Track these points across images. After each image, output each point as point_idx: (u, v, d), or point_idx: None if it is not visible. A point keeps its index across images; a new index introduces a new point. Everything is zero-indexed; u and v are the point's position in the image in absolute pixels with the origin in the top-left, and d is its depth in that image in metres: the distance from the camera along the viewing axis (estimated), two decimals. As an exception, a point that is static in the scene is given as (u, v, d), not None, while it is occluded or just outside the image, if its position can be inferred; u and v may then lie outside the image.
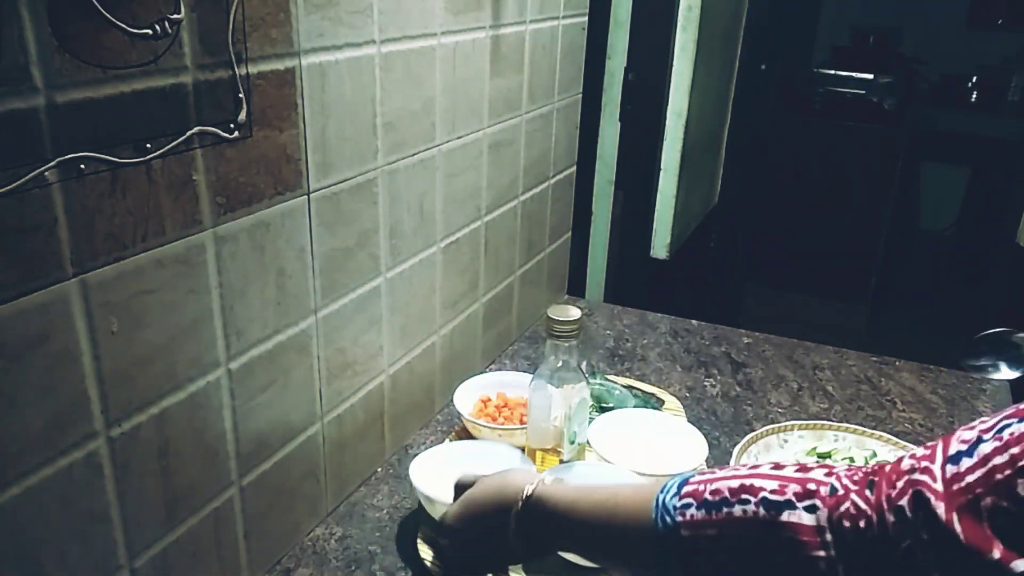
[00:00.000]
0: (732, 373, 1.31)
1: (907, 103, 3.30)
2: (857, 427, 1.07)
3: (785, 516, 0.52)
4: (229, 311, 0.73)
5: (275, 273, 0.78)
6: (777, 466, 0.56)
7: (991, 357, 1.20)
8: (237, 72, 0.69)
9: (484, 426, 1.03)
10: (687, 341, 1.42)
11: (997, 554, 0.42)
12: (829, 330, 2.44)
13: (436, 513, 0.90)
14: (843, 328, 3.08)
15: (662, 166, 1.92)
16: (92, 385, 0.61)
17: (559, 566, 0.88)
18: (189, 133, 0.65)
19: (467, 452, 0.99)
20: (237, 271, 0.73)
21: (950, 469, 0.46)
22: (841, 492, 0.52)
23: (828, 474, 0.54)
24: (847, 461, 1.00)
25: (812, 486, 0.53)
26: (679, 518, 0.56)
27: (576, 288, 1.81)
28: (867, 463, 1.00)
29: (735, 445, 1.04)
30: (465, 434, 1.07)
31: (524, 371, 1.25)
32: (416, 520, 0.94)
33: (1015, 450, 0.43)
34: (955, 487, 0.45)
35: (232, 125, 0.69)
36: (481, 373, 1.21)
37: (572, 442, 0.96)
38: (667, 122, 1.89)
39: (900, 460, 0.51)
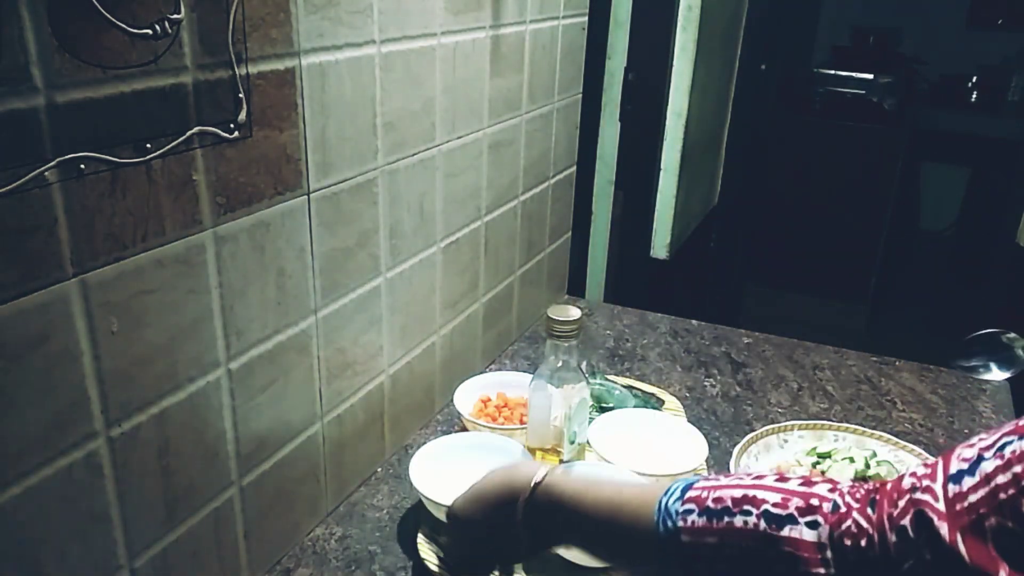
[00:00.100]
0: (732, 373, 1.31)
1: (907, 103, 3.30)
2: (857, 427, 1.07)
3: (786, 531, 0.52)
4: (229, 311, 0.73)
5: (275, 273, 0.78)
6: (782, 478, 0.56)
7: (982, 358, 1.20)
8: (237, 72, 0.69)
9: (484, 426, 1.03)
10: (687, 341, 1.42)
11: (1003, 575, 0.42)
12: (829, 330, 2.43)
13: (436, 511, 0.90)
14: (843, 328, 3.08)
15: (662, 166, 1.92)
16: (92, 385, 0.61)
17: (559, 566, 0.88)
18: (189, 133, 0.65)
19: (468, 445, 0.99)
20: (237, 271, 0.73)
21: (952, 488, 0.46)
22: (843, 509, 0.51)
23: (831, 490, 0.53)
24: (847, 461, 1.00)
25: (815, 501, 0.53)
26: (680, 523, 0.56)
27: (576, 288, 1.81)
28: (867, 463, 1.00)
29: (735, 445, 1.04)
30: (465, 434, 1.07)
31: (524, 371, 1.25)
32: (416, 520, 0.94)
33: (1017, 469, 0.43)
34: (958, 507, 0.44)
35: (232, 125, 0.69)
36: (481, 373, 1.21)
37: (572, 442, 0.96)
38: (667, 122, 1.89)
39: (901, 478, 0.50)
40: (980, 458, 0.45)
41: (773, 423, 1.10)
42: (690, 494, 0.57)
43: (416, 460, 0.94)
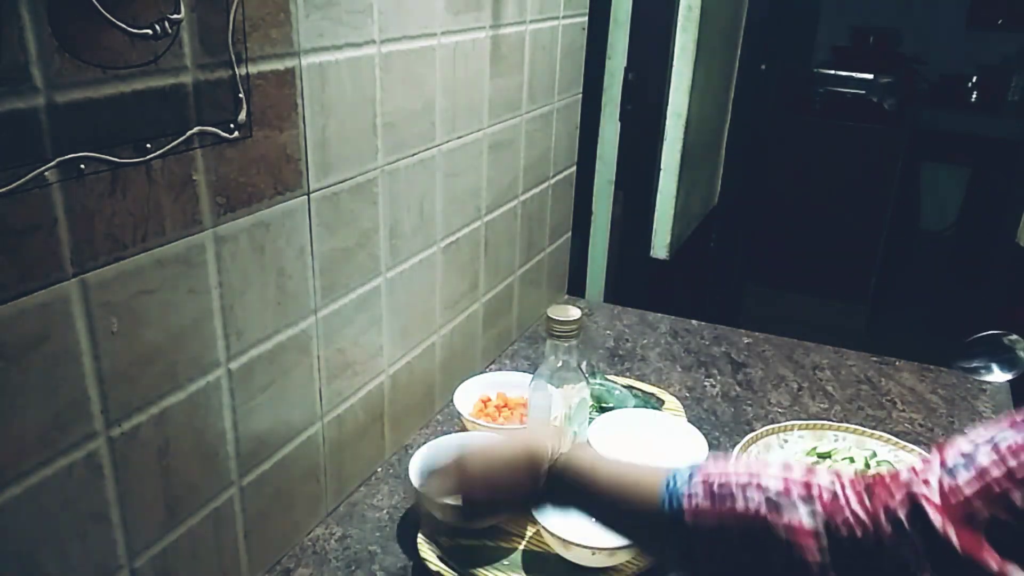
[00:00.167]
0: (732, 373, 1.31)
1: (907, 103, 3.29)
2: (857, 427, 1.07)
3: (786, 517, 0.53)
4: (229, 311, 0.73)
5: (275, 273, 0.78)
6: (787, 467, 0.57)
7: (984, 359, 1.20)
8: (237, 72, 0.69)
9: (484, 426, 1.03)
10: (687, 341, 1.42)
11: (994, 565, 0.43)
12: (829, 330, 2.43)
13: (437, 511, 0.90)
14: (843, 328, 3.07)
15: (662, 166, 1.92)
16: (92, 385, 0.61)
17: (559, 566, 0.88)
18: (189, 133, 0.65)
19: (467, 445, 0.99)
20: (237, 271, 0.73)
21: (948, 482, 0.47)
22: (842, 500, 0.52)
23: (832, 480, 0.54)
24: (847, 461, 1.00)
25: (815, 491, 0.54)
26: (685, 504, 0.58)
27: (576, 288, 1.81)
28: (867, 463, 1.00)
29: (735, 445, 1.04)
30: (465, 434, 1.07)
31: (524, 371, 1.25)
32: (416, 520, 0.94)
33: (1012, 463, 0.44)
34: (953, 500, 0.46)
35: (232, 125, 0.69)
36: (481, 373, 1.21)
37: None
38: (667, 122, 1.89)
39: (899, 472, 0.52)
40: (975, 452, 0.46)
41: (773, 423, 1.10)
42: (697, 477, 0.59)
43: (416, 460, 0.94)
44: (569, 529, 0.84)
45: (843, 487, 0.53)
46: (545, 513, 0.78)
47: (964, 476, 0.46)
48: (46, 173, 0.55)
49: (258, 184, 0.74)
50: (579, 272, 1.91)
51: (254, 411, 0.79)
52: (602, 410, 1.10)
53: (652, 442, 1.02)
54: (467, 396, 1.10)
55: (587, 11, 1.39)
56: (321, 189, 0.82)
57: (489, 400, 1.11)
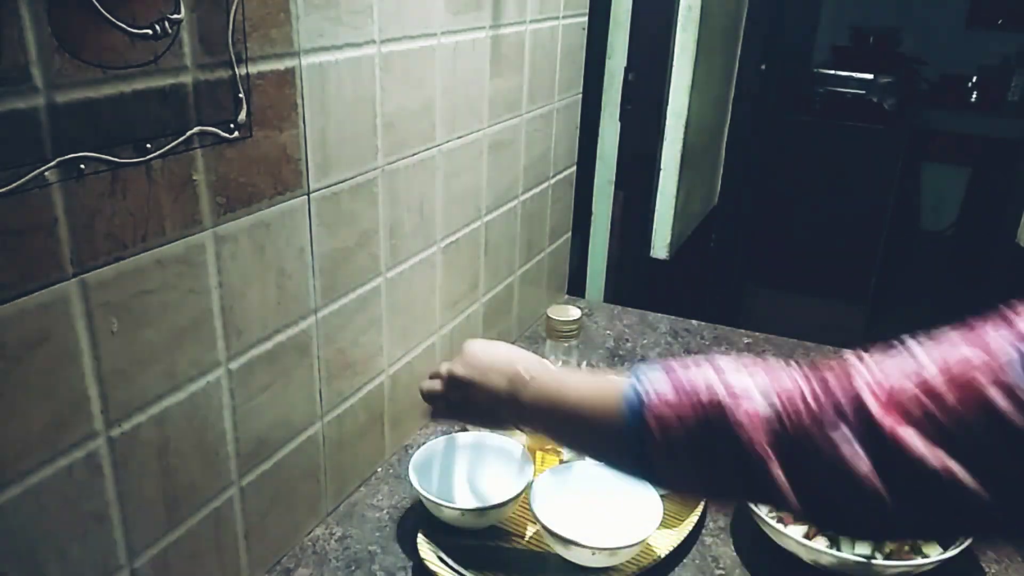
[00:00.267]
0: (732, 373, 1.31)
1: (907, 103, 3.29)
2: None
3: (744, 405, 0.55)
4: (229, 311, 0.73)
5: (275, 273, 0.78)
6: (755, 362, 0.59)
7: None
8: (237, 72, 0.69)
9: (484, 426, 1.03)
10: (687, 341, 1.42)
11: (913, 441, 0.46)
12: (829, 330, 2.43)
13: (437, 511, 0.90)
14: (843, 328, 3.07)
15: (662, 166, 1.92)
16: (92, 385, 0.61)
17: (559, 566, 0.88)
18: (189, 133, 0.65)
19: (468, 445, 0.99)
20: (237, 271, 0.73)
21: (893, 380, 0.50)
22: (797, 391, 0.55)
23: (793, 374, 0.56)
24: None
25: (776, 383, 0.56)
26: (646, 398, 0.60)
27: (576, 288, 1.81)
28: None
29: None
30: (465, 434, 1.07)
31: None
32: (416, 520, 0.94)
33: (953, 368, 0.47)
34: (894, 397, 0.49)
35: (232, 125, 0.69)
36: (481, 373, 1.21)
37: (572, 442, 0.96)
38: (667, 122, 1.88)
39: (850, 364, 0.54)
40: (921, 353, 0.50)
41: (773, 423, 1.10)
42: (662, 372, 0.62)
43: (416, 460, 0.95)
44: (569, 529, 0.84)
45: (804, 378, 0.55)
46: (512, 427, 0.81)
47: (909, 375, 0.49)
48: (46, 173, 0.55)
49: (258, 184, 0.74)
50: (579, 272, 1.91)
51: (254, 411, 0.79)
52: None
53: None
54: (467, 396, 1.09)
55: (587, 11, 1.39)
56: (321, 189, 0.82)
57: (489, 400, 1.10)
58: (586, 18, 1.39)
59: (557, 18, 1.27)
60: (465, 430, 1.00)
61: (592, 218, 1.90)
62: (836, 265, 3.23)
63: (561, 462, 0.98)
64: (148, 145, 0.62)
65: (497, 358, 0.79)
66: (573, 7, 1.32)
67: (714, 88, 2.15)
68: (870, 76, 3.18)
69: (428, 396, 0.85)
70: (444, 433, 1.11)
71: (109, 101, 0.58)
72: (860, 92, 3.17)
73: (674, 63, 1.83)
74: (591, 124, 1.77)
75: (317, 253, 0.84)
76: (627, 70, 1.77)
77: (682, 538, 0.92)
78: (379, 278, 0.96)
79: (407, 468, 0.95)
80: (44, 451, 0.59)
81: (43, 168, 0.54)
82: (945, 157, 3.85)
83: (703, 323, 1.49)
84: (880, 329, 3.26)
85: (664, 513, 0.88)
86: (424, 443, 0.99)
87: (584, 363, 1.12)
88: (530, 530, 0.94)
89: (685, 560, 0.91)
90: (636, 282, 1.98)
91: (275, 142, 0.75)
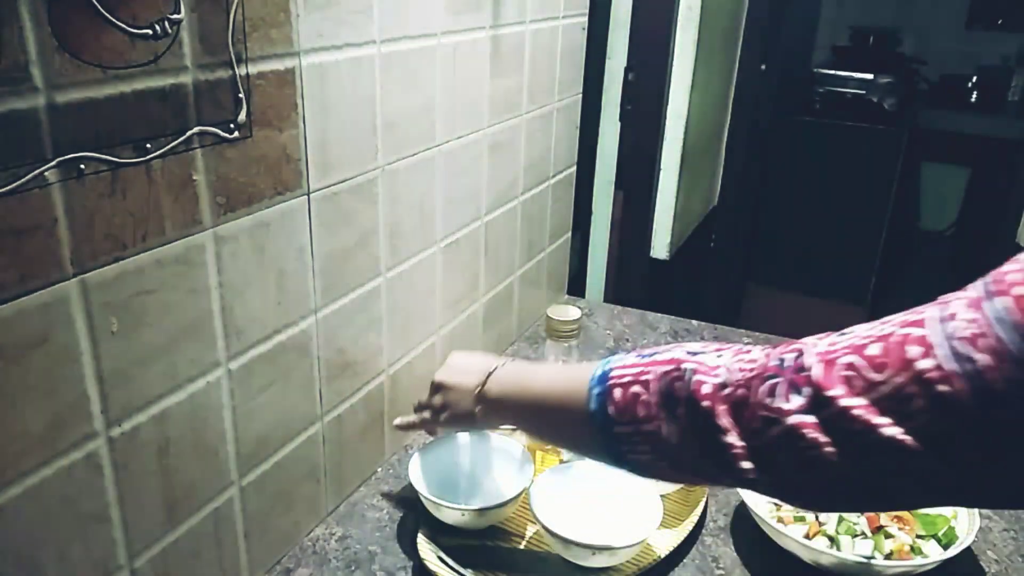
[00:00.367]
0: (732, 373, 1.31)
1: (907, 103, 3.29)
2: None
3: (699, 359, 0.60)
4: (229, 311, 0.73)
5: (275, 273, 0.78)
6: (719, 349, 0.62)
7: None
8: (237, 72, 0.69)
9: (484, 426, 1.03)
10: (687, 341, 1.42)
11: (836, 392, 0.51)
12: (829, 330, 2.43)
13: (437, 511, 0.91)
14: (843, 328, 3.07)
15: (662, 166, 1.92)
16: (92, 385, 0.61)
17: (559, 566, 0.88)
18: (189, 133, 0.65)
19: (467, 445, 0.99)
20: (237, 271, 0.73)
21: (831, 339, 0.55)
22: (747, 350, 0.59)
23: (759, 350, 0.59)
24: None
25: (732, 347, 0.61)
26: (611, 373, 0.65)
27: (576, 288, 1.81)
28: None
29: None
30: (465, 434, 1.07)
31: (524, 371, 1.25)
32: (416, 520, 0.94)
33: (883, 330, 0.52)
34: (828, 352, 0.53)
35: (232, 125, 0.69)
36: (481, 373, 1.21)
37: (572, 442, 0.96)
38: (667, 122, 1.88)
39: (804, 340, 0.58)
40: (858, 331, 0.54)
41: (773, 423, 1.10)
42: (628, 355, 0.66)
43: (416, 460, 0.95)
44: (569, 529, 0.84)
45: (760, 349, 0.59)
46: (487, 427, 0.86)
47: (843, 340, 0.53)
48: (46, 173, 0.55)
49: (258, 184, 0.74)
50: (579, 272, 1.91)
51: (254, 411, 0.79)
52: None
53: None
54: (467, 396, 1.09)
55: (587, 11, 1.39)
56: (321, 189, 0.82)
57: (489, 400, 1.10)
58: (586, 18, 1.39)
59: (557, 18, 1.27)
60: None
61: (592, 218, 1.90)
62: (836, 265, 3.23)
63: (561, 462, 0.98)
64: (148, 145, 0.62)
65: (473, 362, 0.85)
66: (573, 7, 1.32)
67: (714, 88, 2.15)
68: (870, 76, 3.18)
69: (417, 408, 0.93)
70: (444, 433, 1.11)
71: (109, 101, 0.58)
72: (860, 92, 3.17)
73: (674, 63, 1.83)
74: (591, 124, 1.77)
75: (317, 253, 0.84)
76: (627, 70, 1.78)
77: (682, 538, 0.92)
78: (379, 278, 0.96)
79: (407, 468, 0.95)
80: (44, 451, 0.59)
81: (43, 168, 0.54)
82: (945, 157, 3.85)
83: (703, 323, 1.49)
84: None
85: (664, 513, 0.88)
86: (424, 443, 0.99)
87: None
88: (530, 530, 0.94)
89: (685, 560, 0.91)
90: (636, 282, 1.98)
91: (275, 142, 0.75)
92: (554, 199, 1.43)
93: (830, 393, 0.51)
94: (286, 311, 0.81)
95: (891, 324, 0.51)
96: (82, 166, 0.57)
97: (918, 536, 0.89)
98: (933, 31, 3.79)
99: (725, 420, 0.56)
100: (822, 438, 0.51)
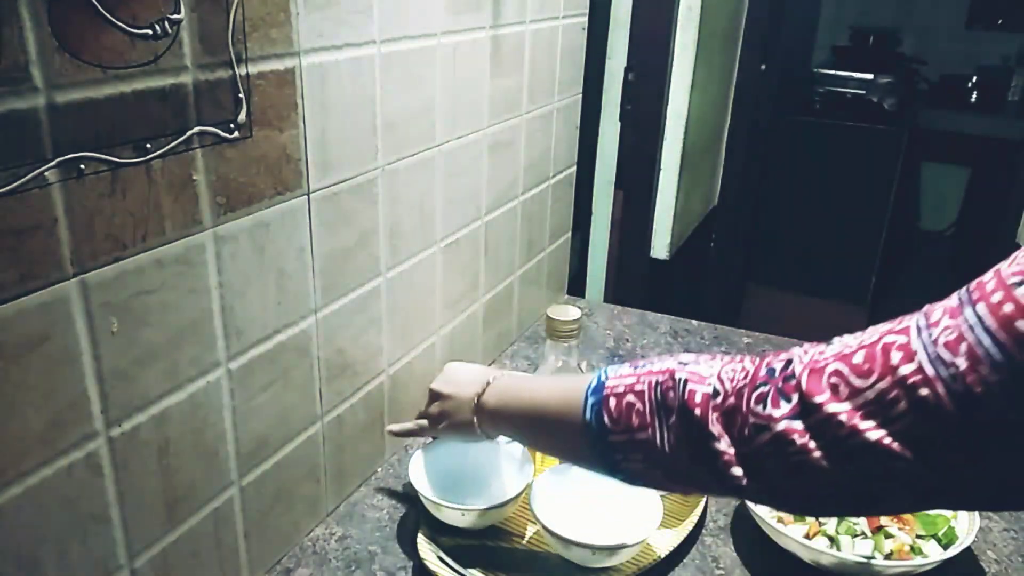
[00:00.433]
0: (732, 373, 1.31)
1: (907, 103, 3.29)
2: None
3: (690, 369, 0.61)
4: (229, 311, 0.73)
5: (275, 273, 0.78)
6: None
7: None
8: (237, 72, 0.69)
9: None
10: (687, 341, 1.42)
11: (823, 399, 0.52)
12: (829, 330, 2.43)
13: (437, 511, 0.91)
14: (843, 328, 3.06)
15: (662, 166, 1.92)
16: (92, 385, 0.61)
17: (559, 566, 0.88)
18: (189, 133, 0.65)
19: (467, 444, 0.99)
20: (237, 271, 0.73)
21: (819, 348, 0.56)
22: (738, 359, 0.61)
23: (749, 360, 0.60)
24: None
25: (723, 358, 0.62)
26: (607, 381, 0.66)
27: (576, 288, 1.81)
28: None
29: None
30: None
31: (524, 371, 1.25)
32: (416, 520, 0.94)
33: (868, 338, 0.53)
34: (816, 362, 0.54)
35: (232, 125, 0.69)
36: (481, 373, 1.21)
37: (572, 442, 0.96)
38: (667, 122, 1.89)
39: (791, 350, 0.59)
40: (845, 339, 0.56)
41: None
42: (623, 365, 0.68)
43: (416, 460, 0.95)
44: (569, 529, 0.84)
45: (751, 359, 0.60)
46: (485, 437, 0.86)
47: (830, 349, 0.54)
48: (46, 173, 0.55)
49: (258, 184, 0.74)
50: (579, 272, 1.91)
51: (254, 411, 0.79)
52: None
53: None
54: (467, 396, 1.09)
55: (587, 11, 1.39)
56: (321, 189, 0.82)
57: (489, 400, 1.10)
58: (586, 18, 1.39)
59: (557, 18, 1.28)
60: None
61: (592, 218, 1.90)
62: (836, 265, 3.23)
63: (561, 462, 0.98)
64: (148, 145, 0.62)
65: (470, 372, 0.87)
66: (573, 7, 1.32)
67: (714, 88, 2.15)
68: (870, 76, 3.18)
69: (419, 418, 0.94)
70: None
71: (109, 101, 0.58)
72: (860, 92, 3.17)
73: (674, 63, 1.83)
74: (591, 124, 1.77)
75: (317, 253, 0.84)
76: (627, 70, 1.78)
77: (682, 538, 0.92)
78: (379, 278, 0.96)
79: (407, 468, 0.95)
80: (44, 451, 0.59)
81: (43, 168, 0.54)
82: (945, 157, 3.85)
83: (703, 323, 1.49)
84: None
85: (664, 513, 0.88)
86: (424, 443, 0.99)
87: (584, 363, 1.12)
88: (530, 530, 0.94)
89: (685, 560, 0.91)
90: (636, 282, 1.98)
91: (275, 142, 0.75)
92: (554, 199, 1.43)
93: (817, 399, 0.52)
94: (286, 311, 0.81)
95: (876, 333, 0.53)
96: (82, 166, 0.57)
97: (918, 536, 0.89)
98: (933, 31, 3.79)
99: (716, 428, 0.58)
100: (810, 444, 0.52)
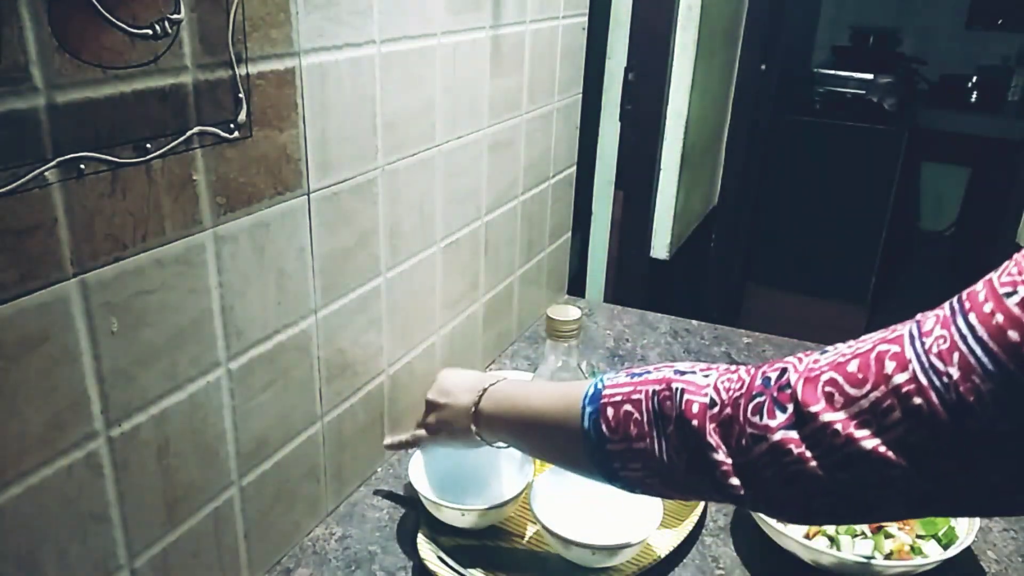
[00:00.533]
0: (732, 373, 1.31)
1: (907, 103, 3.29)
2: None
3: (687, 379, 0.62)
4: (229, 311, 0.73)
5: (275, 273, 0.78)
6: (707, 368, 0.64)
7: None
8: (237, 72, 0.69)
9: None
10: (687, 341, 1.42)
11: (817, 408, 0.53)
12: (829, 330, 2.43)
13: (437, 511, 0.91)
14: (843, 328, 3.07)
15: (662, 166, 1.92)
16: (92, 385, 0.61)
17: (559, 566, 0.88)
18: (189, 133, 0.65)
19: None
20: (237, 271, 0.73)
21: (814, 357, 0.56)
22: (735, 369, 0.61)
23: (745, 370, 0.61)
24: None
25: (720, 368, 0.63)
26: (604, 389, 0.66)
27: (576, 288, 1.81)
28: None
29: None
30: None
31: (524, 371, 1.25)
32: (416, 520, 0.94)
33: (862, 347, 0.54)
34: (811, 371, 0.55)
35: (232, 125, 0.69)
36: (481, 373, 1.21)
37: (572, 442, 0.96)
38: (667, 122, 1.89)
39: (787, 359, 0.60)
40: (839, 348, 0.56)
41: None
42: (625, 371, 0.68)
43: (416, 460, 0.95)
44: (569, 529, 0.84)
45: (746, 369, 0.60)
46: (483, 442, 0.85)
47: (824, 358, 0.55)
48: (46, 173, 0.55)
49: (258, 184, 0.74)
50: (579, 272, 1.91)
51: (254, 411, 0.79)
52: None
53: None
54: (467, 396, 1.09)
55: (587, 11, 1.39)
56: (321, 189, 0.82)
57: (489, 400, 1.10)
58: (586, 18, 1.39)
59: (557, 18, 1.28)
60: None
61: (592, 218, 1.90)
62: (836, 265, 3.23)
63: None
64: (148, 145, 0.62)
65: (466, 380, 0.86)
66: (573, 7, 1.32)
67: (714, 88, 2.15)
68: (870, 76, 3.18)
69: (416, 428, 0.94)
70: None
71: (109, 101, 0.58)
72: (860, 92, 3.17)
73: (674, 63, 1.83)
74: (591, 124, 1.77)
75: (317, 253, 0.84)
76: (627, 70, 1.78)
77: (682, 538, 0.92)
78: (379, 278, 0.96)
79: (407, 468, 0.95)
80: (44, 451, 0.59)
81: (43, 168, 0.54)
82: (945, 157, 3.85)
83: (703, 323, 1.49)
84: (880, 329, 3.26)
85: (664, 513, 0.88)
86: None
87: (584, 363, 1.12)
88: (530, 530, 0.94)
89: (685, 560, 0.91)
90: (636, 282, 1.98)
91: (275, 142, 0.75)
92: (554, 199, 1.43)
93: (812, 409, 0.53)
94: (286, 311, 0.81)
95: (870, 342, 0.54)
96: (82, 166, 0.57)
97: (918, 536, 0.89)
98: (933, 31, 3.79)
99: (714, 438, 0.58)
100: (806, 453, 0.53)
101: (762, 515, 0.90)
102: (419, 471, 0.94)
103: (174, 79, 0.63)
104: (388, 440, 0.98)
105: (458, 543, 0.90)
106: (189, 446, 0.72)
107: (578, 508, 0.90)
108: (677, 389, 0.62)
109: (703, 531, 0.95)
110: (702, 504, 0.96)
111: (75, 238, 0.58)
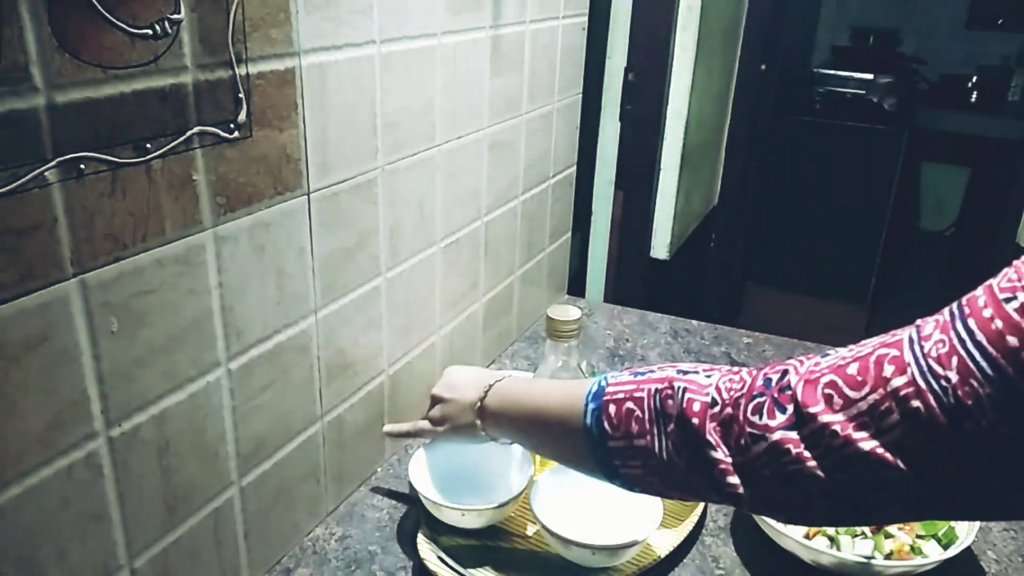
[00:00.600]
0: (732, 373, 1.31)
1: (907, 103, 3.29)
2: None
3: (689, 378, 0.62)
4: (229, 311, 0.73)
5: (275, 273, 0.78)
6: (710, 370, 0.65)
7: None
8: (237, 72, 0.69)
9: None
10: (687, 341, 1.42)
11: (816, 409, 0.53)
12: (829, 330, 2.43)
13: (437, 511, 0.91)
14: (843, 328, 3.07)
15: (662, 166, 1.92)
16: (92, 385, 0.61)
17: (559, 566, 0.88)
18: (189, 133, 0.65)
19: (467, 445, 0.99)
20: (237, 271, 0.73)
21: (815, 360, 0.57)
22: (736, 371, 0.62)
23: (747, 372, 0.61)
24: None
25: (723, 369, 0.63)
26: (607, 387, 0.67)
27: (576, 288, 1.81)
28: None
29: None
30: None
31: (524, 371, 1.25)
32: (416, 520, 0.94)
33: (864, 351, 0.54)
34: (812, 373, 0.55)
35: (232, 125, 0.69)
36: (481, 373, 1.21)
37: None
38: (667, 122, 1.89)
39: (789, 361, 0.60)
40: (840, 352, 0.56)
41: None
42: (628, 370, 0.69)
43: (416, 460, 0.95)
44: (569, 529, 0.84)
45: (748, 371, 0.61)
46: (488, 438, 0.86)
47: (825, 361, 0.55)
48: (46, 173, 0.55)
49: (258, 184, 0.74)
50: (579, 272, 1.91)
51: (254, 411, 0.79)
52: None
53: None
54: (467, 396, 1.09)
55: (587, 11, 1.39)
56: (321, 189, 0.82)
57: (489, 400, 1.10)
58: (586, 18, 1.39)
59: (557, 18, 1.27)
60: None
61: (592, 218, 1.90)
62: (836, 265, 3.23)
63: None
64: (148, 145, 0.62)
65: (471, 376, 0.88)
66: (573, 7, 1.32)
67: (714, 88, 2.15)
68: (870, 76, 3.18)
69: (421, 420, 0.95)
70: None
71: (109, 101, 0.58)
72: (860, 92, 3.17)
73: (674, 63, 1.83)
74: (591, 124, 1.77)
75: (317, 253, 0.84)
76: (627, 70, 1.78)
77: (682, 538, 0.92)
78: (379, 278, 0.96)
79: (407, 468, 0.95)
80: (44, 451, 0.59)
81: (43, 168, 0.54)
82: (945, 157, 3.85)
83: (703, 323, 1.49)
84: (880, 329, 3.24)
85: (664, 513, 0.88)
86: (424, 443, 0.99)
87: (584, 363, 1.12)
88: (530, 530, 0.94)
89: (685, 560, 0.91)
90: (636, 282, 1.98)
91: (275, 142, 0.75)
92: (554, 199, 1.43)
93: (811, 410, 0.53)
94: (286, 311, 0.81)
95: (870, 346, 0.54)
96: (82, 166, 0.57)
97: (918, 536, 0.89)
98: (933, 31, 3.79)
99: (713, 437, 0.59)
100: (804, 453, 0.53)
101: (766, 516, 0.90)
102: (419, 471, 0.94)
103: (174, 79, 0.63)
104: (389, 427, 0.99)
105: (458, 543, 0.90)
106: (189, 446, 0.72)
107: (578, 508, 0.90)
108: (679, 388, 0.62)
109: (703, 531, 0.95)
110: (702, 504, 0.96)
111: (75, 238, 0.58)
